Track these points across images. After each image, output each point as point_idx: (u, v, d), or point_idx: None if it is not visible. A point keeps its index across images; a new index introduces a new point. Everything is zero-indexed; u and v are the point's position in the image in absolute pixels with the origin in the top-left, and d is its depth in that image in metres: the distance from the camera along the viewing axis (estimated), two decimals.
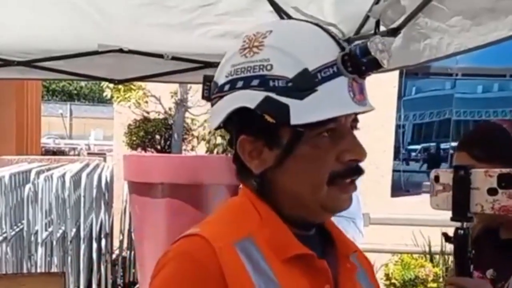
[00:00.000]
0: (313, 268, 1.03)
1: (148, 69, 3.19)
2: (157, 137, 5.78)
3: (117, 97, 5.91)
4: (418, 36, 2.22)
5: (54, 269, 4.81)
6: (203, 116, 5.78)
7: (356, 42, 1.05)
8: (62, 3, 2.57)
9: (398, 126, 8.66)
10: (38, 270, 4.62)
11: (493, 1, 1.93)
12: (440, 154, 12.21)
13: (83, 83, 25.69)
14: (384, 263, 6.07)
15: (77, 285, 5.25)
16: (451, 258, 6.04)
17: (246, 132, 1.04)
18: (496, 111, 11.29)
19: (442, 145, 12.33)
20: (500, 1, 1.91)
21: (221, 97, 1.04)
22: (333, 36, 1.02)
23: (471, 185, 1.25)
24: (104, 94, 6.34)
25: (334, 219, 1.14)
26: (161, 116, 5.87)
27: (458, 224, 1.31)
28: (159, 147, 5.78)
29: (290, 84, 0.98)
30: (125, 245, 6.31)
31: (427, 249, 6.35)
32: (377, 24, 2.12)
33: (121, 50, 2.94)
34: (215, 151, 5.71)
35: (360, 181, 1.07)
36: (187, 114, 5.77)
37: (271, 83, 0.99)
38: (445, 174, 1.31)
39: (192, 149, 5.98)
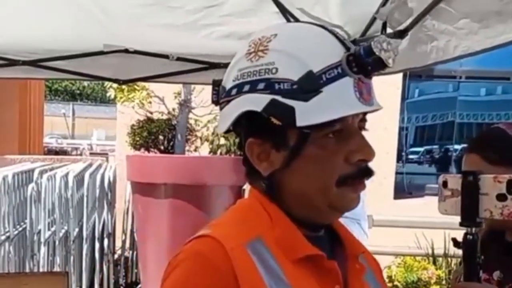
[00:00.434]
0: (323, 269, 1.04)
1: (153, 69, 3.18)
2: (161, 137, 5.80)
3: (121, 98, 5.93)
4: (425, 38, 2.21)
5: (56, 269, 4.82)
6: (207, 117, 5.80)
7: (361, 43, 1.05)
8: (68, 4, 2.58)
9: (401, 128, 8.66)
10: (41, 270, 4.63)
11: (500, 4, 1.93)
12: (444, 156, 12.19)
13: (85, 83, 25.69)
14: (387, 265, 6.06)
15: (79, 284, 5.25)
16: (454, 260, 6.06)
17: (254, 135, 1.05)
18: (499, 113, 11.29)
19: (446, 148, 12.32)
20: (508, 4, 1.90)
21: (229, 101, 1.05)
22: (338, 37, 1.03)
23: (480, 191, 1.25)
24: (108, 94, 6.34)
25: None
26: (165, 117, 5.88)
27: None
28: (162, 147, 5.79)
29: (295, 87, 0.99)
30: (127, 245, 6.32)
31: (430, 251, 6.34)
32: (384, 26, 2.12)
33: (126, 51, 2.94)
34: (218, 152, 5.72)
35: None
36: (190, 115, 5.79)
37: (276, 86, 0.99)
38: (454, 180, 1.30)
39: (195, 150, 6.00)
